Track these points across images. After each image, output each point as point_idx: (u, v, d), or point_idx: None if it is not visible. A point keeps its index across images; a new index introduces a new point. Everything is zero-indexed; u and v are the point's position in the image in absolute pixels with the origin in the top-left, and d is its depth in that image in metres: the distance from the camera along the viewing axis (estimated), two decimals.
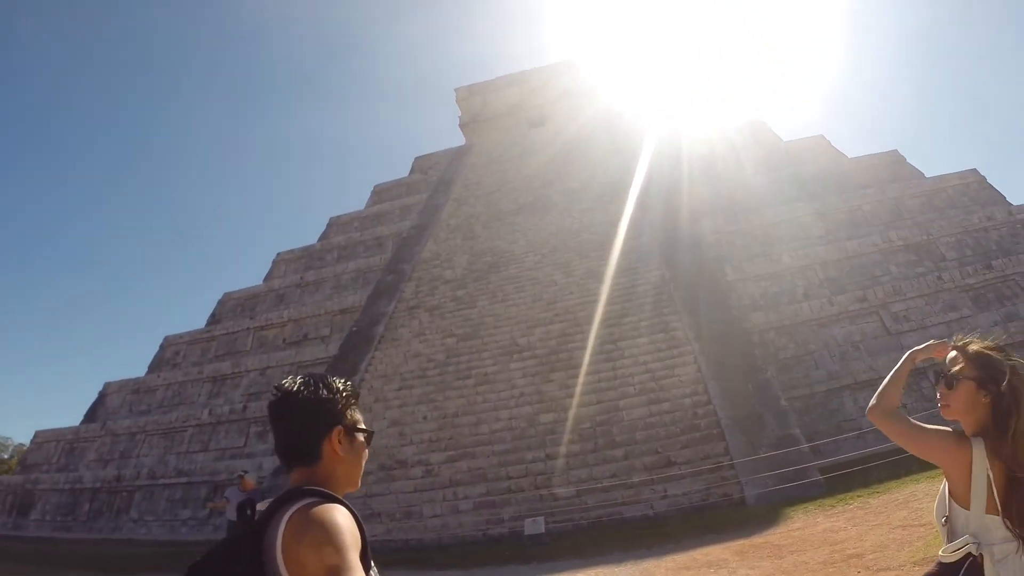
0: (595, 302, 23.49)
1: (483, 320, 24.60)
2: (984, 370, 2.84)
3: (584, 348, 21.16)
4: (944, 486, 2.98)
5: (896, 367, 3.12)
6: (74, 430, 30.12)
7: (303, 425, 2.26)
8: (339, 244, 38.37)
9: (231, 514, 14.58)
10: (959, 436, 2.87)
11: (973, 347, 2.93)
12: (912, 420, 2.99)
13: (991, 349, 2.91)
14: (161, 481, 24.26)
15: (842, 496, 12.68)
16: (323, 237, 41.71)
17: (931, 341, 3.13)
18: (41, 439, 30.88)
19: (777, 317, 21.90)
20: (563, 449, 17.30)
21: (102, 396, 32.50)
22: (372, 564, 2.16)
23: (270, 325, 31.68)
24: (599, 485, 15.78)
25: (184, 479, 23.85)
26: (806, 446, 15.35)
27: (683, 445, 16.48)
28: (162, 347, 34.51)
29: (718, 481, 15.10)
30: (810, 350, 21.20)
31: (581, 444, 17.39)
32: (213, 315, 36.68)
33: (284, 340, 30.73)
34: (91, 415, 31.72)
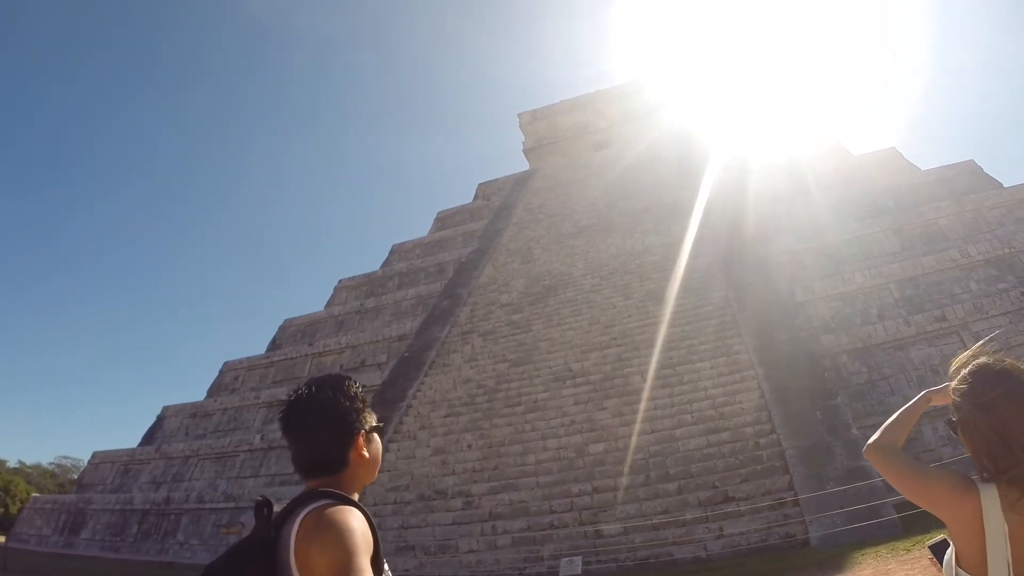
0: (654, 324, 22.09)
1: (537, 345, 23.39)
2: (957, 408, 2.37)
3: (640, 373, 19.78)
4: (951, 549, 2.30)
5: (907, 406, 2.68)
6: (130, 452, 30.10)
7: (330, 437, 2.24)
8: (400, 271, 37.76)
9: None
10: (964, 480, 2.24)
11: (961, 371, 2.45)
12: (913, 460, 2.46)
13: (977, 369, 2.40)
14: (208, 505, 23.72)
15: (919, 538, 10.97)
16: (385, 264, 41.32)
17: (948, 383, 2.57)
18: (98, 460, 30.92)
19: (849, 339, 20.09)
20: (612, 482, 15.90)
21: (160, 419, 32.46)
22: (385, 567, 2.17)
23: (328, 351, 31.08)
24: (649, 522, 14.32)
25: (232, 504, 23.20)
26: (879, 480, 13.59)
27: (743, 479, 14.90)
28: (221, 372, 34.39)
29: (780, 519, 13.49)
30: (885, 374, 19.34)
31: (632, 477, 15.95)
32: (274, 341, 36.48)
33: (341, 366, 30.01)
34: (149, 438, 31.66)
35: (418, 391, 23.08)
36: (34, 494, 36.11)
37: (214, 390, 33.70)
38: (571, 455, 17.42)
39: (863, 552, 10.94)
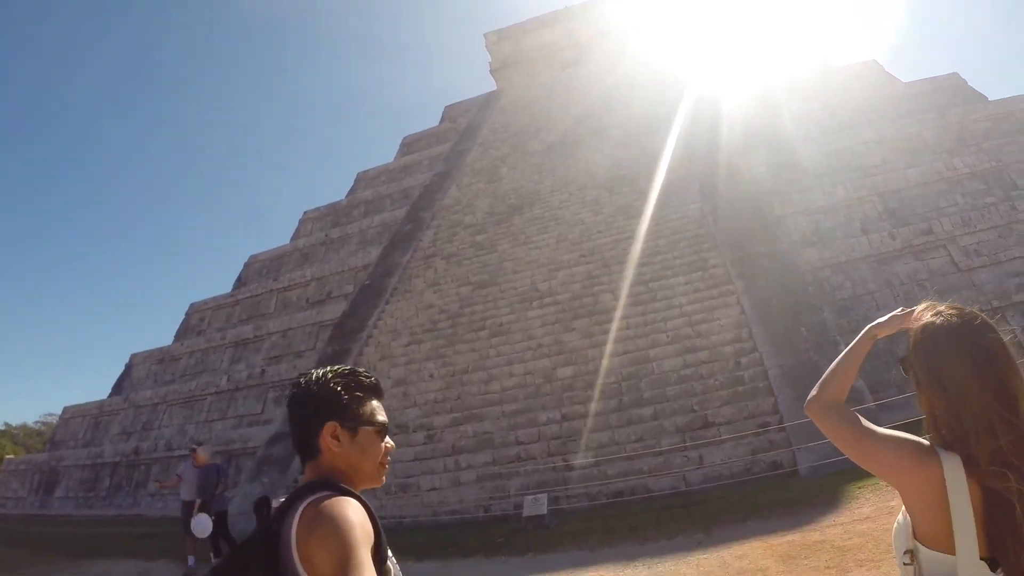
0: (626, 240, 20.55)
1: (502, 265, 21.78)
2: (915, 353, 2.06)
3: (611, 291, 18.29)
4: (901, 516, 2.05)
5: (849, 347, 2.32)
6: (99, 404, 28.53)
7: (301, 420, 2.21)
8: (365, 199, 35.75)
9: (186, 494, 12.18)
10: (921, 446, 1.96)
11: (924, 318, 2.09)
12: (863, 421, 2.11)
13: (949, 315, 2.03)
14: (177, 452, 22.17)
15: None
16: (350, 193, 39.34)
17: (896, 311, 2.24)
18: (68, 415, 29.45)
19: (832, 253, 18.66)
20: (582, 408, 14.47)
21: (128, 367, 30.82)
22: (390, 556, 2.13)
23: (294, 285, 29.28)
24: (622, 452, 12.94)
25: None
26: (873, 403, 12.25)
27: (723, 402, 13.50)
28: (188, 314, 32.60)
29: (765, 446, 12.12)
30: (870, 289, 18.01)
31: (603, 402, 14.51)
32: (239, 279, 34.63)
33: (307, 300, 28.31)
34: (118, 387, 30.06)
35: (379, 320, 21.45)
36: (8, 456, 34.45)
37: (181, 333, 32.03)
38: (538, 380, 15.98)
39: (859, 485, 9.56)
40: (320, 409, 2.16)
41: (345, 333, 21.34)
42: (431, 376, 17.62)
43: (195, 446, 12.74)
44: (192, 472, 12.13)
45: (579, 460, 13.01)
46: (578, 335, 17.07)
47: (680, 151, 25.50)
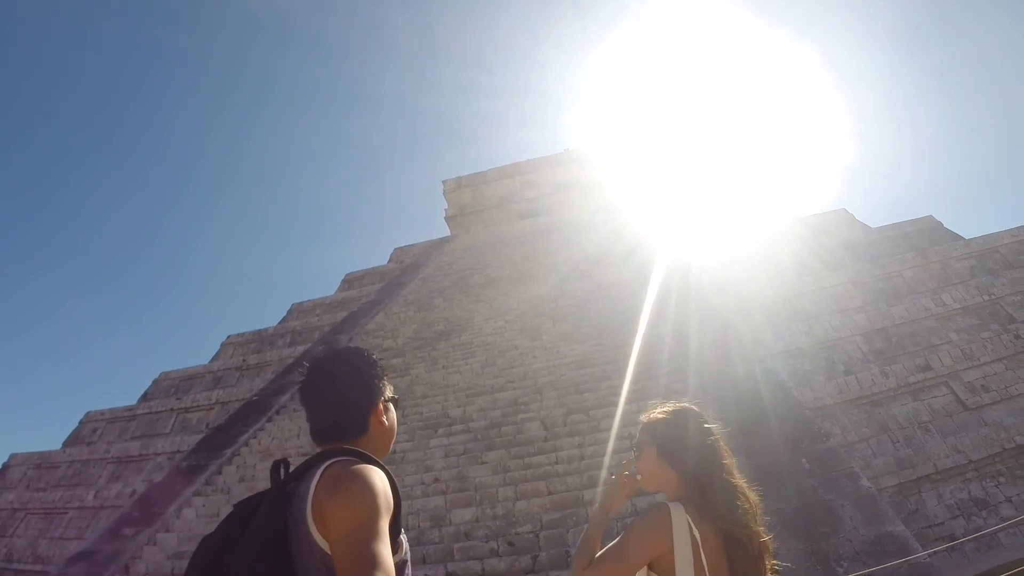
0: (564, 364, 16.14)
1: (411, 389, 17.10)
2: (656, 436, 2.57)
3: (540, 419, 13.66)
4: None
5: (588, 524, 2.67)
6: None
7: (352, 401, 2.13)
8: (293, 329, 31.41)
9: None
10: (660, 512, 2.41)
11: (650, 415, 2.71)
12: (606, 549, 2.50)
13: (667, 412, 2.64)
14: (15, 566, 18.14)
15: None
16: (282, 321, 35.20)
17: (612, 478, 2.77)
18: None
19: (814, 396, 14.39)
20: (477, 567, 9.46)
21: (5, 467, 25.82)
22: (403, 531, 2.02)
23: (196, 407, 24.66)
24: None
25: (39, 566, 17.39)
26: (925, 554, 7.47)
27: None
28: (82, 422, 27.81)
29: None
30: (864, 435, 13.66)
31: (510, 559, 9.52)
32: (145, 394, 30.00)
33: (207, 424, 23.61)
34: None
35: (253, 437, 16.58)
36: None
37: (69, 441, 27.28)
38: (424, 524, 10.96)
39: None
40: (369, 390, 2.16)
41: (211, 447, 16.54)
42: None
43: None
44: None
45: None
46: (488, 469, 12.24)
47: (637, 283, 21.54)
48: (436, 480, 12.24)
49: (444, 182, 46.73)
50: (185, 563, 9.97)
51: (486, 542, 10.05)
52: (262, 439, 16.40)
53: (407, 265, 36.02)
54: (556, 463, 11.93)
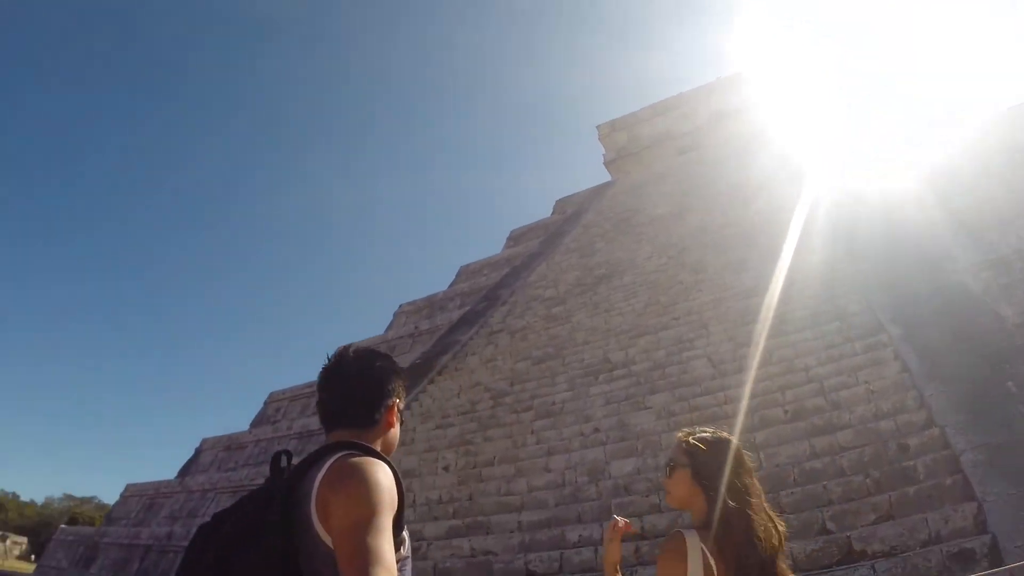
0: (732, 297, 14.61)
1: (572, 336, 16.18)
2: (694, 460, 2.49)
3: (707, 356, 12.31)
4: None
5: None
6: (155, 485, 25.57)
7: (375, 388, 2.11)
8: (462, 291, 31.36)
9: None
10: (677, 541, 2.37)
11: (687, 436, 2.58)
12: None
13: (707, 439, 2.55)
14: None
15: None
16: (451, 285, 35.37)
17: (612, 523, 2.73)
18: (128, 493, 26.56)
19: (1014, 311, 11.94)
20: (638, 524, 8.38)
21: (198, 452, 27.64)
22: (405, 528, 1.96)
23: None
24: None
25: None
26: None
27: (880, 514, 7.12)
28: (266, 403, 29.38)
29: None
30: None
31: (670, 516, 8.37)
32: None
33: None
34: (184, 470, 26.86)
35: (415, 400, 16.21)
36: (61, 525, 33.73)
37: (256, 422, 28.80)
38: (581, 479, 10.03)
39: None
40: (382, 384, 2.11)
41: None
42: (445, 468, 12.05)
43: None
44: None
45: None
46: (652, 415, 11.10)
47: (811, 204, 19.32)
48: (596, 430, 11.26)
49: (598, 127, 45.02)
50: None
51: (646, 496, 8.97)
52: (423, 401, 16.07)
53: (569, 215, 34.97)
54: (725, 402, 10.61)
